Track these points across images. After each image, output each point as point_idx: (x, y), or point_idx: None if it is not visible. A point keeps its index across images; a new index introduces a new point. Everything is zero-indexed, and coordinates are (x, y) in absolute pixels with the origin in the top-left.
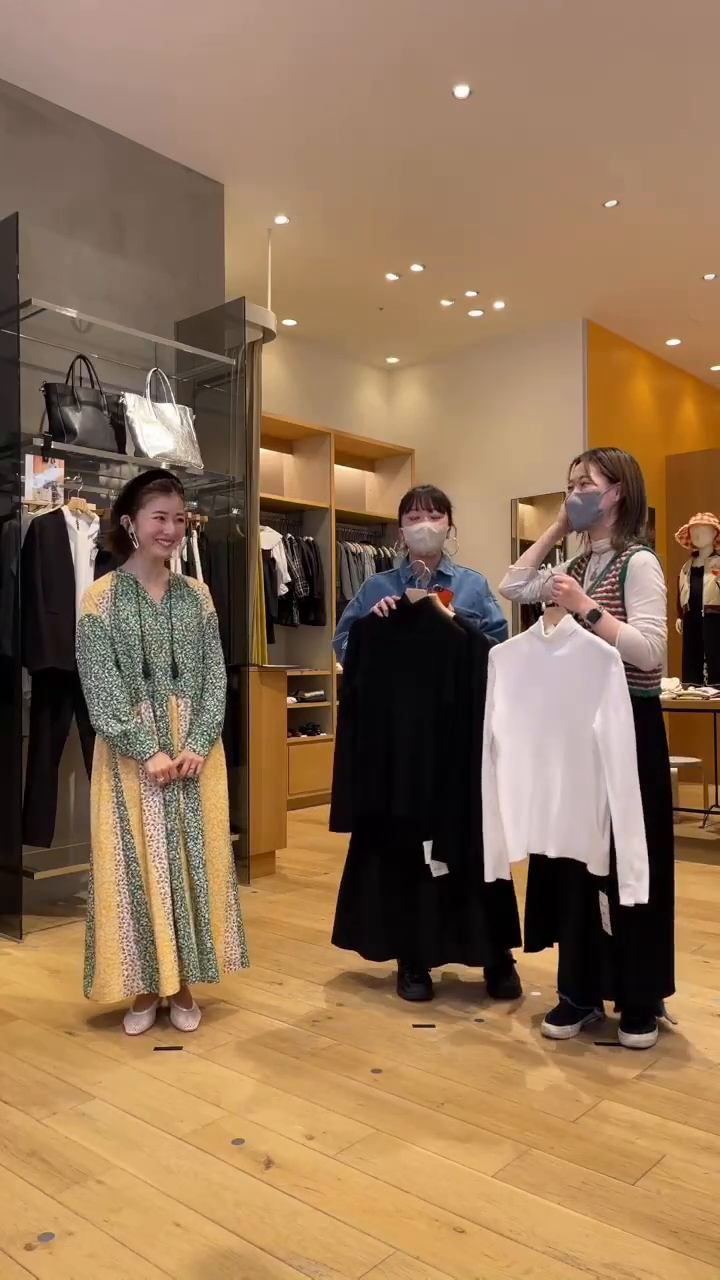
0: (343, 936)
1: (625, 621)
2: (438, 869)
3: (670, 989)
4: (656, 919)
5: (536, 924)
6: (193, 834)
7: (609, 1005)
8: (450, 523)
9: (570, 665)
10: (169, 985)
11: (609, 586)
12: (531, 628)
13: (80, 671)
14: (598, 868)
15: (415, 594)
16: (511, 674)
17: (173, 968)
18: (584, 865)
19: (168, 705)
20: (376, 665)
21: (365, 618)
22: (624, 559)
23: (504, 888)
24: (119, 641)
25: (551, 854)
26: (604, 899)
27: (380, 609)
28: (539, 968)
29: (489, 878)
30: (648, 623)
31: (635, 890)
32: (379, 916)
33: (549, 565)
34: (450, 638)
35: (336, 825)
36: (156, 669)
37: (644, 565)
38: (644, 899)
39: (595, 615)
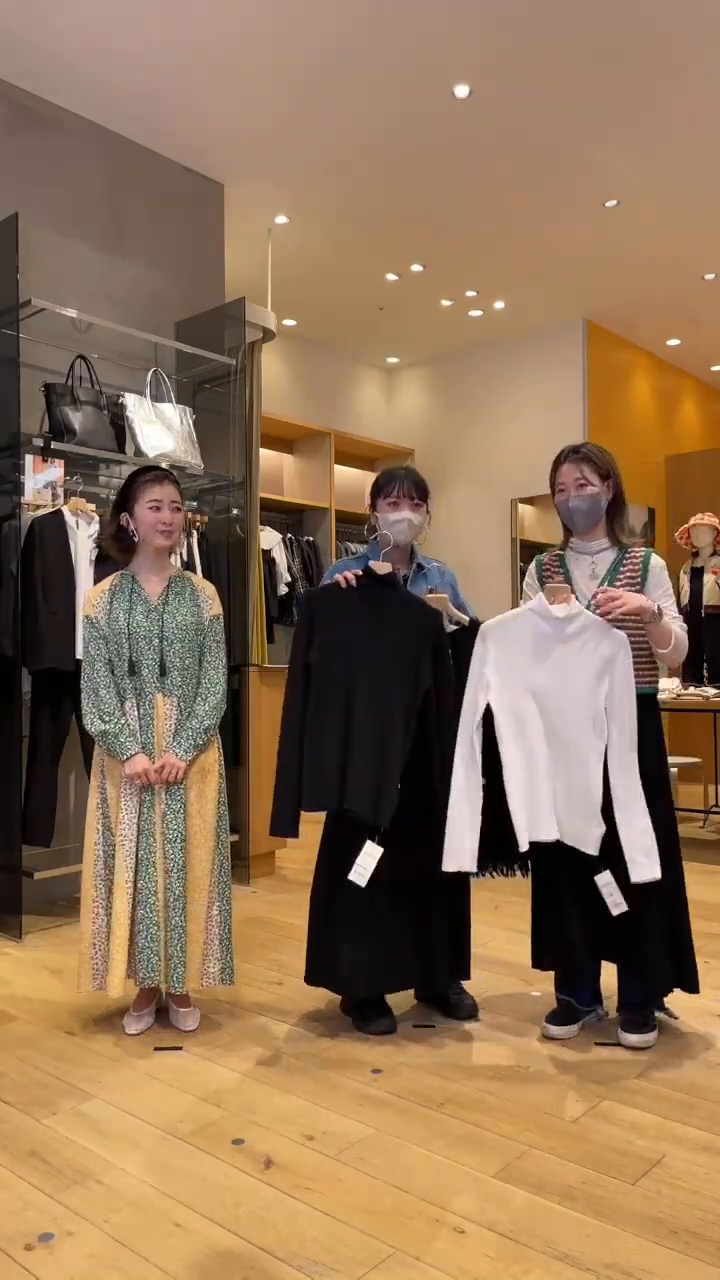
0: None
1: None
2: (362, 875)
3: (683, 985)
4: (668, 913)
5: (542, 939)
6: (172, 837)
7: (609, 1005)
8: (427, 511)
9: (581, 645)
10: (114, 987)
11: (626, 583)
12: (531, 604)
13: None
14: (594, 848)
15: (381, 566)
16: (513, 651)
17: (122, 968)
18: (582, 858)
19: (153, 704)
20: (335, 644)
21: (319, 590)
22: (638, 557)
23: (463, 916)
24: (111, 639)
25: (547, 838)
26: (604, 876)
27: (343, 580)
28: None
29: (449, 868)
30: (678, 622)
31: (646, 867)
32: (372, 951)
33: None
34: (428, 617)
35: (278, 829)
36: (143, 667)
37: (664, 566)
38: (657, 874)
39: (660, 614)
